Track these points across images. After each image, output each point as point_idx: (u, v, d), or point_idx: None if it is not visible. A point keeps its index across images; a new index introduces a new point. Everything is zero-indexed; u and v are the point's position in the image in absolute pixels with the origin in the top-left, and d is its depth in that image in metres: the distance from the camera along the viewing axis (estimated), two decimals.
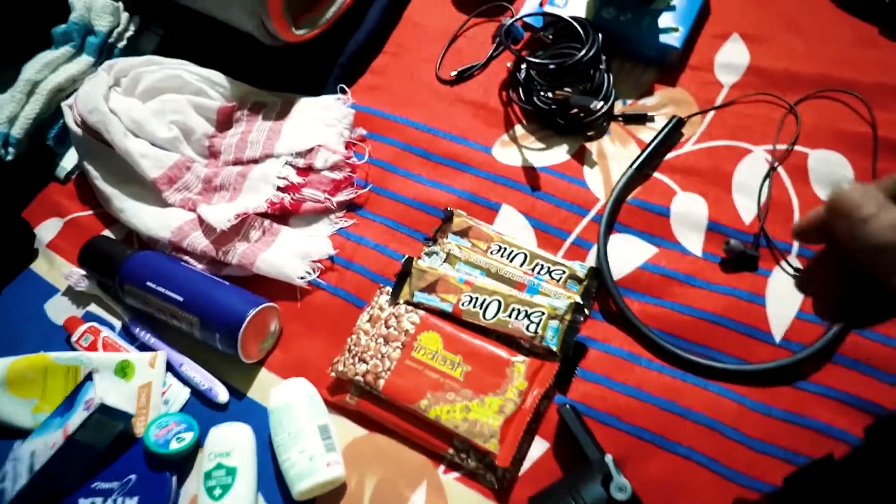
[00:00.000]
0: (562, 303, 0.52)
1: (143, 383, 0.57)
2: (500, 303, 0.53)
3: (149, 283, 0.58)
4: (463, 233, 0.59)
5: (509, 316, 0.52)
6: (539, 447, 0.50)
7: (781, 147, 0.58)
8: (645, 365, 0.51)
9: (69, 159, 0.73)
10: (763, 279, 0.53)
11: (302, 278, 0.60)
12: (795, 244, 0.54)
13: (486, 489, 0.49)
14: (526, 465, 0.49)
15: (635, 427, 0.49)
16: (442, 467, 0.50)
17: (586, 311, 0.52)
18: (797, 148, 0.58)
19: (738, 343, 0.51)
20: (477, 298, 0.54)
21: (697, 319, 0.52)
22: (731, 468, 0.46)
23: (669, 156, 0.60)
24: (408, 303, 0.56)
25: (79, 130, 0.67)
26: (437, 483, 0.49)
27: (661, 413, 0.49)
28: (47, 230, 0.70)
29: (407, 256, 0.58)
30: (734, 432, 0.47)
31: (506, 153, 0.64)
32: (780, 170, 0.58)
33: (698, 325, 0.52)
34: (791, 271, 0.53)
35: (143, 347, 0.60)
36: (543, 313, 0.52)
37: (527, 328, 0.52)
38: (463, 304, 0.54)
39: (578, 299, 0.52)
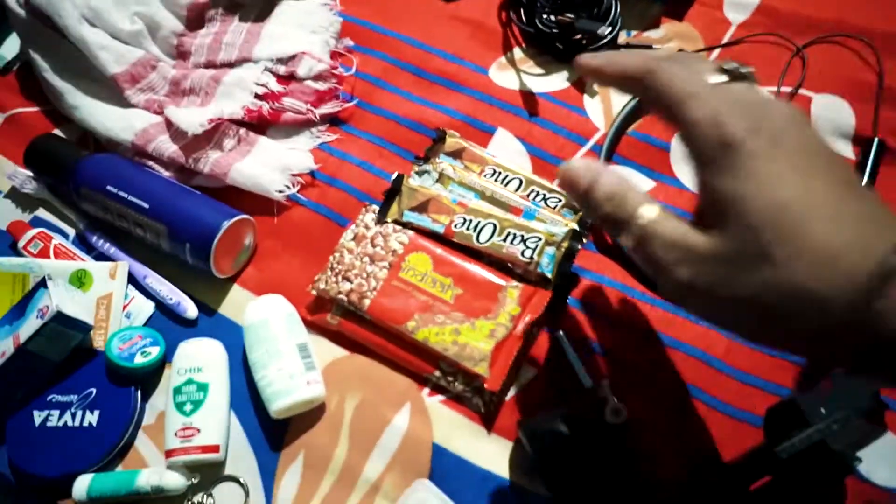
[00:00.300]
0: (559, 229, 0.54)
1: (103, 294, 0.57)
2: (495, 226, 0.55)
3: (109, 188, 0.57)
4: (456, 154, 0.60)
5: (504, 240, 0.54)
6: (527, 374, 0.52)
7: (786, 90, 0.62)
8: (637, 297, 0.54)
9: (9, 47, 0.70)
10: None
11: (280, 192, 0.60)
12: None
13: (472, 412, 0.51)
14: (513, 390, 0.52)
15: (626, 358, 0.52)
16: (426, 390, 0.52)
17: (584, 240, 0.54)
18: (802, 91, 0.61)
19: None
20: (471, 220, 0.55)
21: None
22: (718, 399, 0.50)
23: None
24: (396, 222, 0.57)
25: (22, 12, 0.64)
26: (422, 405, 0.51)
27: (652, 345, 0.52)
28: None
29: (397, 174, 0.59)
30: (723, 364, 0.51)
31: (503, 76, 0.65)
32: None
33: None
34: None
35: (101, 257, 0.60)
36: (540, 239, 0.54)
37: (522, 253, 0.54)
38: (456, 226, 0.55)
39: (576, 226, 0.55)
